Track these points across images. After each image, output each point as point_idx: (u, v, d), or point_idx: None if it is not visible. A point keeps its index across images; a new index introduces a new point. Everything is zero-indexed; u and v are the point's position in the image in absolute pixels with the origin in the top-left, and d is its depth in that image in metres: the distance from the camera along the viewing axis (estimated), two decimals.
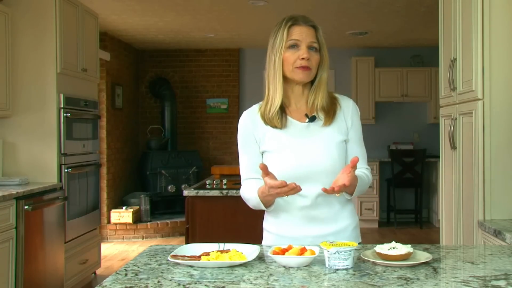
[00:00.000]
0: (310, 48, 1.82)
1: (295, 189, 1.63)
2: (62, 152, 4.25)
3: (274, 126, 1.85)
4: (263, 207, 1.84)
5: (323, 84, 1.86)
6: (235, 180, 3.91)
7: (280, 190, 1.64)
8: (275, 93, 1.85)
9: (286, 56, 1.82)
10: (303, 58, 1.80)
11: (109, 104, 6.88)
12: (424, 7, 5.61)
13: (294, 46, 1.82)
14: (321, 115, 1.86)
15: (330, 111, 1.86)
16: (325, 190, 1.65)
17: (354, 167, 1.68)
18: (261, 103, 1.92)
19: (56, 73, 4.22)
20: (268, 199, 1.78)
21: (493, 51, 2.46)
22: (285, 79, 1.85)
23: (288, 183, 1.63)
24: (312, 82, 1.89)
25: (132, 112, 7.83)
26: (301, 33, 1.82)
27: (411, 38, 7.36)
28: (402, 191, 7.86)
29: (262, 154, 1.89)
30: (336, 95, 1.93)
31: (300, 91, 1.88)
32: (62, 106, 4.24)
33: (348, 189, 1.74)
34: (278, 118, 1.84)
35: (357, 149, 1.89)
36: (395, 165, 7.36)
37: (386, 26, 6.60)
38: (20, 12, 4.21)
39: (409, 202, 7.95)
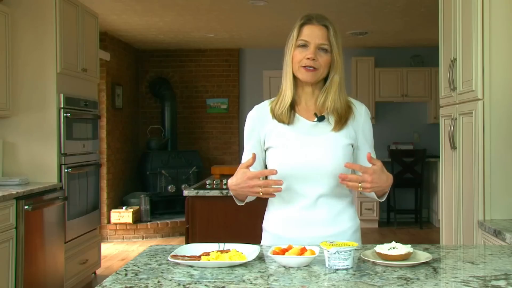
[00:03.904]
0: (319, 49, 1.80)
1: (277, 184, 1.65)
2: (62, 152, 4.25)
3: (282, 122, 1.85)
4: (238, 202, 1.84)
5: (334, 86, 1.84)
6: None
7: (264, 183, 1.65)
8: (286, 90, 1.85)
9: (294, 54, 1.82)
10: (308, 58, 1.79)
11: (109, 104, 6.88)
12: (424, 7, 5.61)
13: (303, 45, 1.81)
14: (331, 119, 1.84)
15: (342, 118, 1.83)
16: (340, 176, 1.65)
17: (373, 163, 1.67)
18: (273, 98, 1.93)
19: (56, 73, 4.22)
20: (237, 193, 1.77)
21: (493, 51, 2.46)
22: (295, 77, 1.85)
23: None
24: (324, 84, 1.87)
25: (132, 112, 7.83)
26: (311, 33, 1.81)
27: (411, 38, 7.36)
28: (402, 191, 7.85)
29: (266, 151, 1.88)
30: (351, 100, 1.91)
31: (310, 90, 1.87)
32: (62, 106, 4.24)
33: (380, 186, 1.71)
34: (287, 114, 1.84)
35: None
36: (395, 165, 7.36)
37: (386, 26, 6.60)
38: (20, 12, 4.21)
39: (409, 202, 7.96)
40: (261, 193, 1.67)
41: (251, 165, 1.71)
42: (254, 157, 1.72)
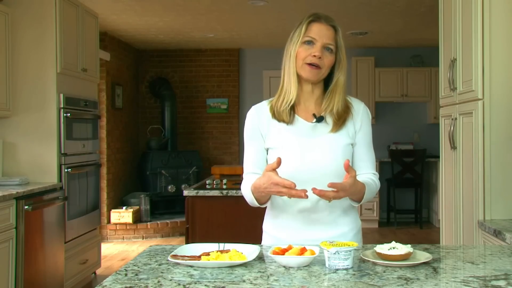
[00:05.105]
0: (325, 48, 1.79)
1: (300, 196, 1.61)
2: (62, 152, 4.25)
3: (282, 120, 1.83)
4: (256, 203, 1.81)
5: (339, 87, 1.83)
6: (235, 180, 3.91)
7: (287, 191, 1.62)
8: (289, 86, 1.83)
9: (299, 50, 1.80)
10: (314, 56, 1.77)
11: (109, 104, 6.88)
12: (424, 7, 5.61)
13: (309, 42, 1.79)
14: (329, 120, 1.83)
15: (341, 119, 1.82)
16: (314, 191, 1.61)
17: (348, 171, 1.64)
18: (271, 98, 1.91)
19: (56, 73, 4.22)
20: (262, 195, 1.75)
21: (493, 51, 2.46)
22: (296, 75, 1.83)
23: (297, 187, 1.60)
24: (326, 84, 1.86)
25: (132, 112, 7.83)
26: (319, 32, 1.80)
27: (411, 38, 7.36)
28: (402, 191, 7.85)
29: (266, 151, 1.87)
30: (349, 99, 1.90)
31: (310, 89, 1.85)
32: (62, 106, 4.24)
33: (351, 197, 1.73)
34: (288, 112, 1.82)
35: (365, 153, 1.87)
36: (395, 165, 7.36)
37: (386, 26, 6.60)
38: (20, 12, 4.21)
39: (409, 202, 7.96)
40: (287, 195, 1.65)
41: (276, 168, 1.66)
42: (279, 161, 1.66)
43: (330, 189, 1.61)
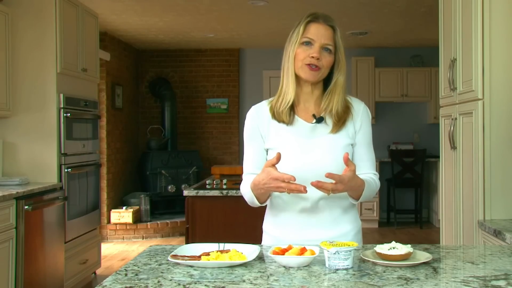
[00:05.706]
0: (323, 48, 1.79)
1: (300, 190, 1.60)
2: (62, 152, 4.25)
3: (282, 121, 1.82)
4: (256, 202, 1.80)
5: (339, 88, 1.82)
6: (235, 180, 3.91)
7: (286, 185, 1.61)
8: (288, 88, 1.82)
9: (298, 51, 1.79)
10: (312, 57, 1.77)
11: (109, 104, 6.88)
12: (424, 7, 5.61)
13: (308, 43, 1.79)
14: (329, 121, 1.82)
15: (341, 120, 1.82)
16: (313, 183, 1.60)
17: (348, 165, 1.64)
18: (271, 98, 1.90)
19: (56, 73, 4.22)
20: (262, 192, 1.74)
21: (493, 51, 2.46)
22: (296, 75, 1.82)
23: (296, 181, 1.60)
24: (326, 84, 1.85)
25: (132, 112, 7.84)
26: (317, 32, 1.79)
27: (411, 38, 7.36)
28: (402, 191, 7.86)
29: (266, 151, 1.87)
30: (349, 99, 1.89)
31: (309, 90, 1.85)
32: (62, 106, 4.24)
33: (350, 192, 1.73)
34: (287, 113, 1.82)
35: (365, 154, 1.86)
36: (395, 165, 7.36)
37: (386, 26, 6.60)
38: (20, 12, 4.21)
39: (409, 202, 7.96)
40: (286, 191, 1.64)
41: (275, 163, 1.66)
42: (278, 156, 1.65)
43: (329, 180, 1.61)
